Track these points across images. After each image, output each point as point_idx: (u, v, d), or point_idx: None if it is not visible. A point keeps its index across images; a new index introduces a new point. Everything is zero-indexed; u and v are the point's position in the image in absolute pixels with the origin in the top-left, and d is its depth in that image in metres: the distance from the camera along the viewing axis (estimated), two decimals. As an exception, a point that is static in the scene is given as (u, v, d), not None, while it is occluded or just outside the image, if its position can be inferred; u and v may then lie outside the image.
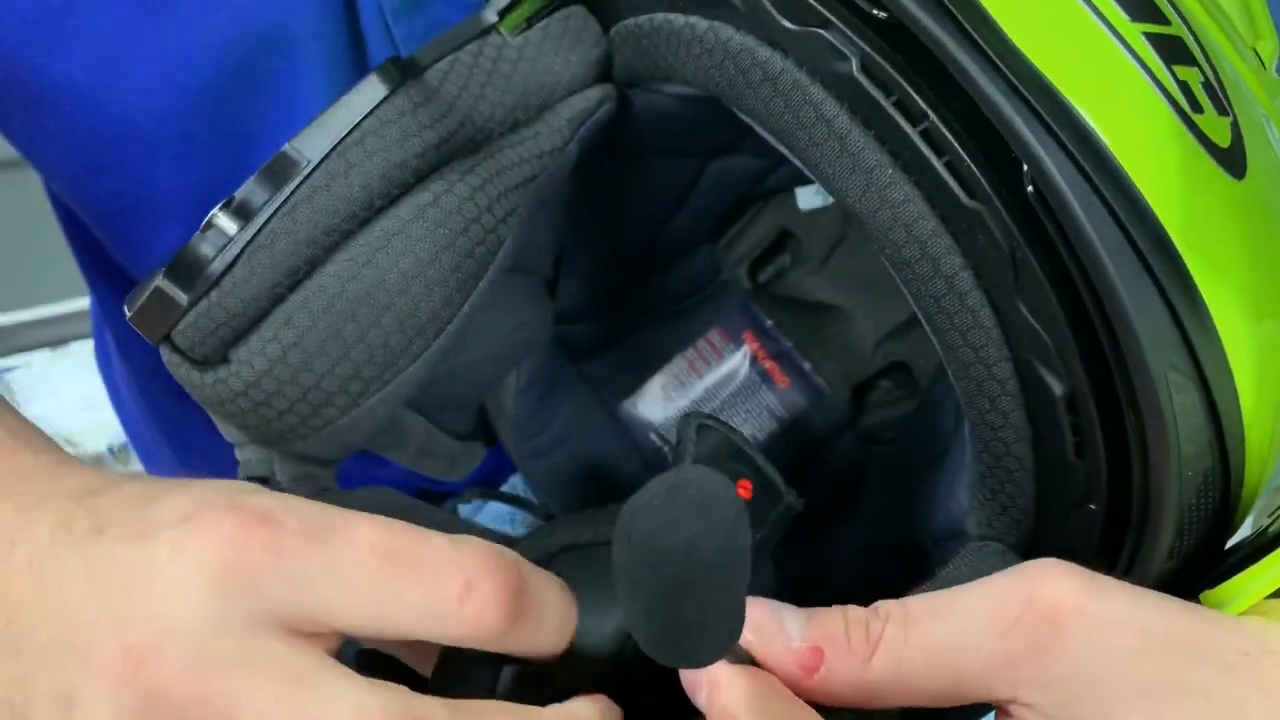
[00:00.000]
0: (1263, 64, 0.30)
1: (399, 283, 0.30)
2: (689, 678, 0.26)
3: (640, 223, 0.44)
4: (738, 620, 0.24)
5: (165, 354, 0.31)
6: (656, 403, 0.47)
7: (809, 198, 0.45)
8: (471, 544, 0.26)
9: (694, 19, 0.30)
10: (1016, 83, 0.24)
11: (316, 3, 0.40)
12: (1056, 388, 0.26)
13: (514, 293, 0.41)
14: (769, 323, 0.47)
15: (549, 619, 0.26)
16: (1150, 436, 0.26)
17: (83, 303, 1.25)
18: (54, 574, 0.27)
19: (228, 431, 0.32)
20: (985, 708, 0.28)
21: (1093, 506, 0.28)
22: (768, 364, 0.47)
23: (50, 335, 1.22)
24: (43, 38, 0.39)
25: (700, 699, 0.26)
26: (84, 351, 1.22)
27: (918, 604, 0.26)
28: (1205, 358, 0.25)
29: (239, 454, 0.33)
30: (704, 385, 0.47)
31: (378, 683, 0.25)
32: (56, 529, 0.27)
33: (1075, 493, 0.28)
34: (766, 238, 0.47)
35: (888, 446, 0.46)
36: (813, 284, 0.47)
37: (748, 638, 0.27)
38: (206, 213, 0.30)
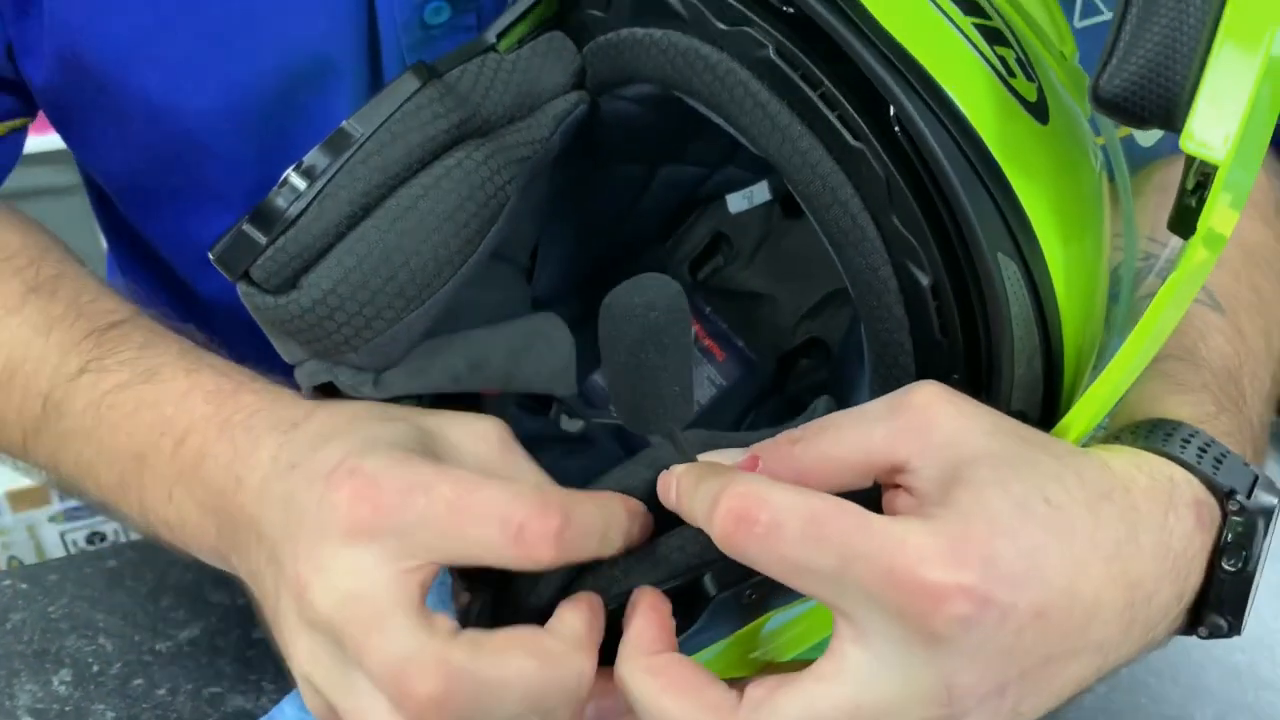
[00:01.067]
0: (1066, 58, 0.41)
1: (433, 222, 0.39)
2: (661, 483, 0.36)
3: (601, 223, 0.54)
4: (688, 384, 0.34)
5: (242, 288, 0.39)
6: (616, 378, 0.56)
7: (737, 203, 0.55)
8: (522, 493, 0.35)
9: (651, 30, 0.40)
10: (886, 53, 0.34)
11: (348, 40, 0.50)
12: (924, 279, 0.36)
13: (497, 276, 0.50)
14: (708, 309, 0.57)
15: (589, 542, 0.36)
16: (990, 308, 0.35)
17: None
18: (269, 499, 0.38)
19: (288, 351, 0.41)
20: None
21: (955, 376, 0.37)
22: (708, 342, 0.56)
23: None
24: (129, 59, 0.48)
25: (670, 498, 0.35)
26: None
27: (829, 416, 0.35)
28: (1025, 246, 0.35)
29: (299, 373, 0.41)
30: (655, 363, 0.56)
31: (431, 627, 0.34)
32: (270, 462, 0.39)
33: (943, 366, 0.37)
34: (704, 239, 0.57)
35: (806, 407, 0.55)
36: (743, 277, 0.57)
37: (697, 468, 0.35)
38: (250, 207, 0.39)
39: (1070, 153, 0.37)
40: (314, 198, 0.38)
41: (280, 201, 0.38)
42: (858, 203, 0.36)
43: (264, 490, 0.38)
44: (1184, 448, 0.37)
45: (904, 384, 0.39)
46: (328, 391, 0.41)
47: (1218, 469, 0.37)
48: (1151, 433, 0.39)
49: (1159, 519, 0.34)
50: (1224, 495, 0.36)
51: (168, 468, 0.42)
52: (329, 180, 0.38)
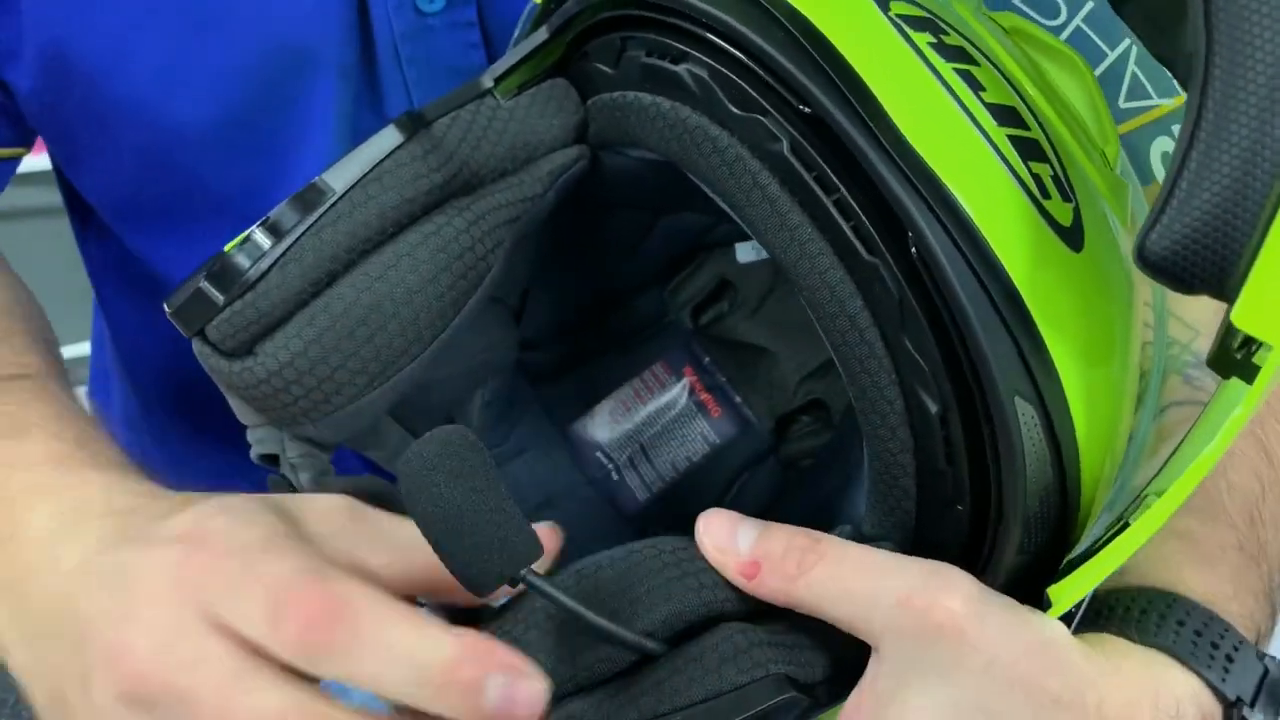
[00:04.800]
0: (1108, 164, 0.37)
1: (404, 295, 0.36)
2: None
3: (598, 265, 0.51)
4: (518, 522, 0.31)
5: (197, 345, 0.36)
6: (604, 425, 0.53)
7: (746, 252, 0.52)
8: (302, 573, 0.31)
9: (659, 99, 0.37)
10: (906, 169, 0.31)
11: (336, 26, 0.47)
12: (932, 406, 0.33)
13: (487, 318, 0.47)
14: (707, 359, 0.54)
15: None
16: (1001, 448, 0.32)
17: (74, 349, 1.26)
18: (89, 577, 0.34)
19: (244, 414, 0.38)
20: None
21: (960, 508, 0.35)
22: (704, 395, 0.53)
23: None
24: (115, 54, 0.45)
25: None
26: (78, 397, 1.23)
27: (851, 552, 0.33)
28: (1045, 388, 0.32)
29: (251, 435, 0.38)
30: (647, 411, 0.53)
31: (292, 682, 0.30)
32: (100, 540, 0.34)
33: (946, 495, 0.35)
34: (708, 285, 0.54)
35: (803, 473, 0.52)
36: (746, 328, 0.54)
37: (705, 544, 0.35)
38: (247, 209, 0.36)
39: (1104, 278, 0.34)
40: (277, 259, 0.35)
41: (242, 259, 0.35)
42: (867, 318, 0.33)
43: (85, 567, 0.34)
44: (1195, 643, 0.36)
45: (904, 505, 0.36)
46: (273, 461, 0.38)
47: (1228, 671, 0.36)
48: (1162, 622, 0.37)
49: None
50: (1230, 705, 0.36)
51: None
52: (295, 241, 0.35)
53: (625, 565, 0.35)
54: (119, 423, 0.67)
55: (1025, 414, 0.32)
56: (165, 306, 0.36)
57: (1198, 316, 0.48)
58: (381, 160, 0.36)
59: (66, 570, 0.34)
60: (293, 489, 0.38)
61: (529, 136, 0.40)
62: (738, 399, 0.53)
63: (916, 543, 0.37)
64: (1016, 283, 0.31)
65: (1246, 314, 0.27)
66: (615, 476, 0.53)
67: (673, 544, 0.36)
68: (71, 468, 0.38)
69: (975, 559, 0.35)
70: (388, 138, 0.37)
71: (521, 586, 0.32)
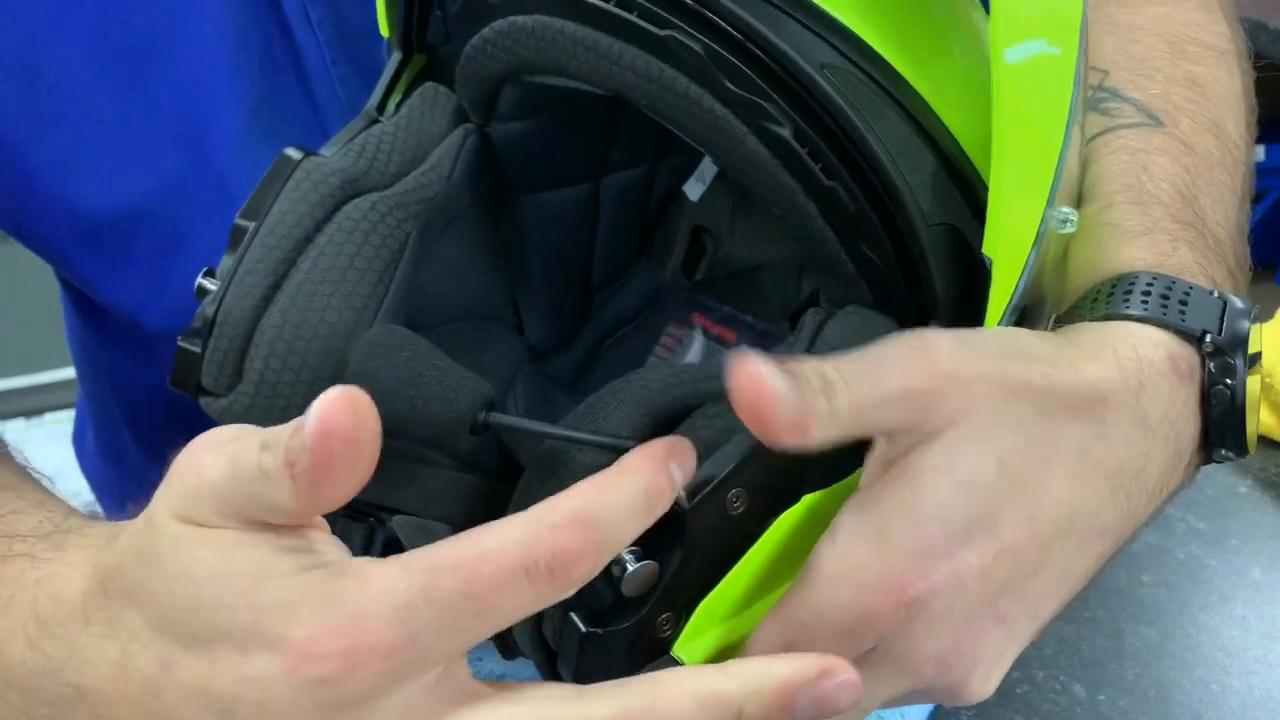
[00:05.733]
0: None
1: (335, 275, 0.40)
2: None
3: (569, 256, 0.54)
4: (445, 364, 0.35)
5: (203, 402, 0.41)
6: (646, 401, 0.55)
7: (695, 188, 0.55)
8: None
9: (480, 32, 0.41)
10: None
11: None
12: (784, 131, 0.35)
13: (487, 337, 0.51)
14: (709, 300, 0.55)
15: None
16: (850, 131, 0.34)
17: (58, 374, 1.29)
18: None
19: None
20: None
21: (857, 212, 0.36)
22: (717, 329, 0.55)
23: (26, 405, 1.27)
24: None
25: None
26: (58, 421, 1.26)
27: (851, 368, 0.33)
28: (853, 53, 0.33)
29: None
30: (678, 372, 0.55)
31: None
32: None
33: (849, 211, 0.36)
34: (685, 240, 0.56)
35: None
36: (731, 257, 0.55)
37: (766, 400, 0.31)
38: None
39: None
40: (224, 292, 0.40)
41: (202, 308, 0.40)
42: (695, 89, 0.36)
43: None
44: (1145, 302, 0.38)
45: (828, 251, 0.37)
46: None
47: (1184, 312, 0.37)
48: (1111, 296, 0.39)
49: (1129, 403, 0.35)
50: (1196, 339, 0.37)
51: None
52: (234, 273, 0.40)
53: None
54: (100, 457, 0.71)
55: (848, 83, 0.33)
56: (169, 384, 0.41)
57: (1104, 56, 0.49)
58: (286, 180, 0.41)
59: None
60: None
61: (419, 138, 0.44)
62: (749, 318, 0.54)
63: (873, 293, 0.38)
64: None
65: None
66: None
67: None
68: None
69: (912, 265, 0.36)
70: (285, 163, 0.42)
71: None
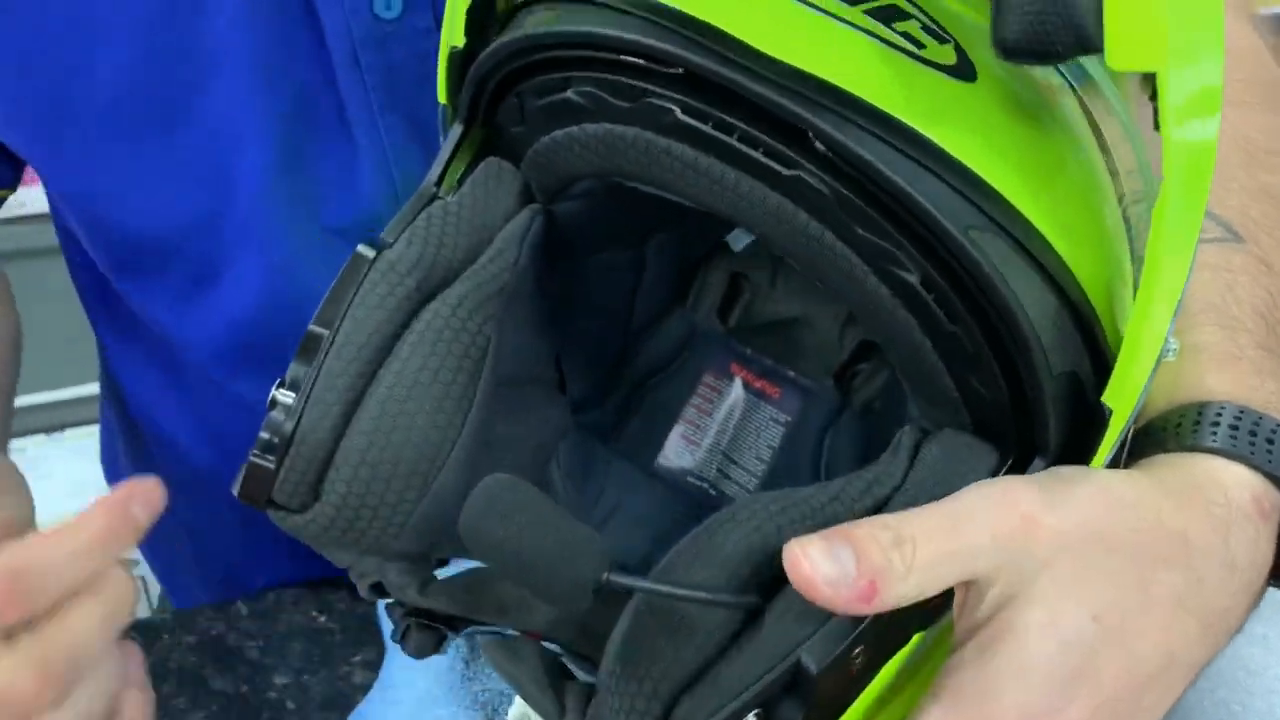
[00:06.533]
0: None
1: (419, 394, 0.38)
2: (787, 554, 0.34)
3: (613, 309, 0.53)
4: (579, 532, 0.33)
5: (273, 514, 0.39)
6: (683, 451, 0.55)
7: (739, 239, 0.54)
8: None
9: (571, 129, 0.39)
10: (778, 80, 0.33)
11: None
12: (911, 278, 0.34)
13: (527, 400, 0.50)
14: (748, 350, 0.55)
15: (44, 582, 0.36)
16: (984, 285, 0.33)
17: (79, 390, 1.29)
18: None
19: (337, 558, 0.41)
20: None
21: (984, 361, 0.35)
22: (758, 383, 0.54)
23: (47, 421, 1.28)
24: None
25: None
26: (78, 437, 1.26)
27: (929, 522, 0.33)
28: (994, 211, 0.33)
29: (352, 574, 0.41)
30: (716, 422, 0.55)
31: None
32: None
33: (968, 353, 0.35)
34: (722, 285, 0.55)
35: (881, 413, 0.53)
36: (772, 306, 0.55)
37: (811, 582, 0.32)
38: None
39: (1015, 98, 0.35)
40: (302, 409, 0.38)
41: (276, 421, 0.38)
42: (815, 225, 0.35)
43: None
44: (1233, 438, 0.38)
45: (939, 383, 0.37)
46: (382, 590, 0.41)
47: (1271, 452, 0.37)
48: (1197, 427, 0.39)
49: (1219, 549, 0.36)
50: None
51: None
52: (312, 387, 0.38)
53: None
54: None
55: (990, 244, 0.33)
56: (233, 491, 0.39)
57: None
58: (359, 287, 0.39)
59: None
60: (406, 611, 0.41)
61: (484, 219, 0.43)
62: (791, 373, 0.54)
63: (974, 418, 0.38)
64: (918, 127, 0.32)
65: (1118, 52, 0.28)
66: (714, 492, 0.54)
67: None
68: None
69: (1026, 405, 0.36)
70: (357, 265, 0.40)
71: None
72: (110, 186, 0.52)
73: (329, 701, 0.57)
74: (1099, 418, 0.35)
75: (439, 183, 0.43)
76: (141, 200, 0.53)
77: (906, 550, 0.33)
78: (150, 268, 0.55)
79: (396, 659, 0.59)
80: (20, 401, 1.41)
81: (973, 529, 0.34)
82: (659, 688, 0.34)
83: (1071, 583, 0.34)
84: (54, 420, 1.28)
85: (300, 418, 0.38)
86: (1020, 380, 0.36)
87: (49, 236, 0.62)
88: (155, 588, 1.23)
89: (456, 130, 0.43)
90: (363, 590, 0.41)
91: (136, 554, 0.86)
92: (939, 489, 0.35)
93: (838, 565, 0.32)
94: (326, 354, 0.38)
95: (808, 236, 0.35)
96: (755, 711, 0.33)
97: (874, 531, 0.33)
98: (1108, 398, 0.35)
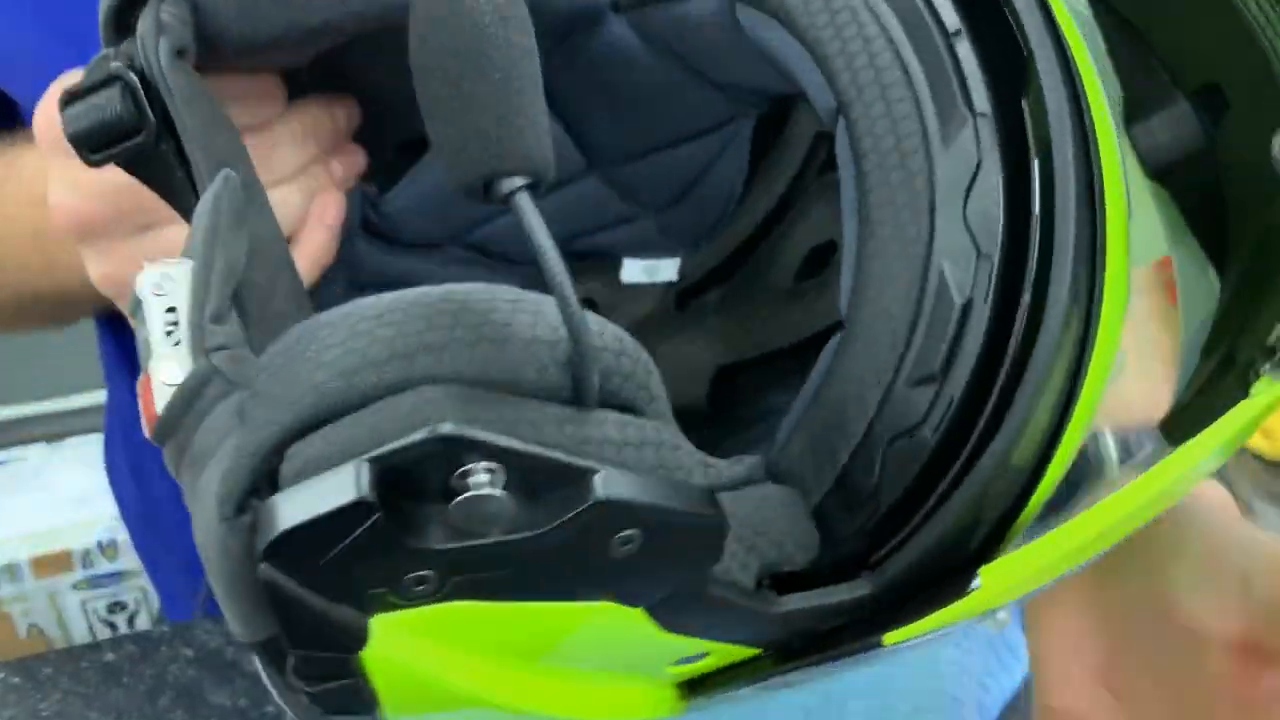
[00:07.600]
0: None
1: None
2: None
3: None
4: (531, 114, 0.22)
5: None
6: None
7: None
8: None
9: None
10: None
11: None
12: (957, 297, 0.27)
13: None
14: None
15: None
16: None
17: (81, 399, 1.27)
18: None
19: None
20: None
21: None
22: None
23: (48, 430, 1.27)
24: None
25: None
26: (79, 445, 1.24)
27: None
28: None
29: None
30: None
31: None
32: None
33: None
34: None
35: None
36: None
37: None
38: None
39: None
40: None
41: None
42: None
43: None
44: None
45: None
46: None
47: None
48: None
49: None
50: None
51: None
52: None
53: None
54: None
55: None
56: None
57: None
58: None
59: None
60: None
61: None
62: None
63: None
64: None
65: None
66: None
67: None
68: None
69: None
70: None
71: None
72: None
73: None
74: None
75: None
76: None
77: None
78: None
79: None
80: (21, 410, 1.40)
81: None
82: None
83: None
84: (55, 429, 1.27)
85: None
86: None
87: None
88: (155, 601, 1.21)
89: None
90: None
91: (137, 565, 0.85)
92: None
93: None
94: None
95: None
96: None
97: None
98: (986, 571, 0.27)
